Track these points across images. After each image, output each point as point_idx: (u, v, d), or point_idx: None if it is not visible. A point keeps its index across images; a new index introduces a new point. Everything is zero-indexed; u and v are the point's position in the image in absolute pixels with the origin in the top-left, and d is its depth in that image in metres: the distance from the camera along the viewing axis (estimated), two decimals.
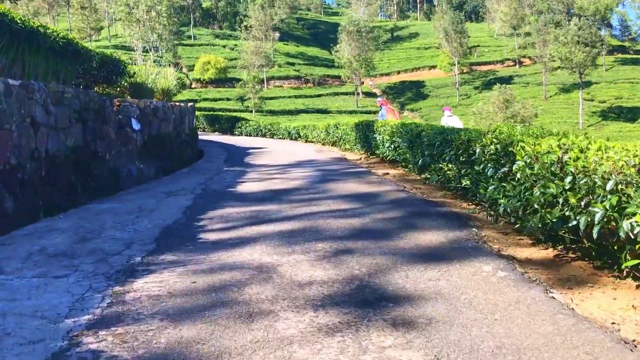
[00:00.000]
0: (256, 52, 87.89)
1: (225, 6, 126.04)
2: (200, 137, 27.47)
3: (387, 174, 11.30)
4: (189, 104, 18.09)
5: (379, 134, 12.00)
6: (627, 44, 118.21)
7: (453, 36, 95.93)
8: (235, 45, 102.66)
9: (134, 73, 13.41)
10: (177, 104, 15.67)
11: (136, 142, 11.93)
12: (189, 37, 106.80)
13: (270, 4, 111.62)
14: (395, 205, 7.46)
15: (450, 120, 15.06)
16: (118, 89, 14.03)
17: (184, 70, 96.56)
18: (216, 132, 36.31)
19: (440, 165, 7.68)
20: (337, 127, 18.38)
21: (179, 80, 17.18)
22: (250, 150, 19.23)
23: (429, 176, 8.77)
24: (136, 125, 12.00)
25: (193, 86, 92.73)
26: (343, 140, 17.96)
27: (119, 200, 8.61)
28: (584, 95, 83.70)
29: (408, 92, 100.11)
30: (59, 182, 8.36)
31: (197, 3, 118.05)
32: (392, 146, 11.00)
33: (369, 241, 5.52)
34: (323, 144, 21.94)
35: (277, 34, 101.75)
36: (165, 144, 13.55)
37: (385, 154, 11.92)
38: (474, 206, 7.21)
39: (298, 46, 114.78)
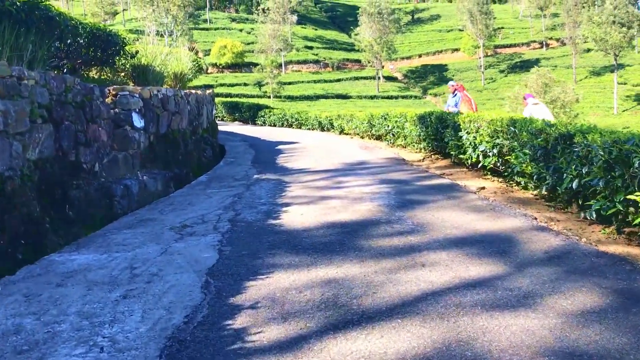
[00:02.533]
0: (274, 35, 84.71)
1: None
2: (220, 127, 24.48)
3: (483, 188, 8.14)
4: (208, 92, 15.02)
5: (467, 132, 8.79)
6: None
7: (478, 17, 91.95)
8: (252, 29, 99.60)
9: (137, 52, 10.32)
10: (193, 91, 12.61)
11: (139, 144, 8.90)
12: (205, 20, 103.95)
13: None
14: (567, 270, 4.31)
15: (536, 110, 11.86)
16: (122, 74, 11.00)
17: (200, 54, 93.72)
18: (236, 122, 33.06)
19: (631, 196, 4.50)
20: (385, 119, 15.14)
21: (194, 63, 14.10)
22: (281, 147, 16.09)
23: (581, 203, 5.60)
24: (138, 122, 8.97)
25: (209, 71, 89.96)
26: (393, 135, 14.75)
27: (104, 246, 5.54)
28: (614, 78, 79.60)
29: (430, 76, 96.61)
30: (9, 220, 5.33)
31: None
32: (495, 151, 7.80)
33: None
34: (362, 137, 18.75)
35: (294, 17, 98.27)
36: (178, 145, 10.50)
37: (474, 160, 8.72)
38: None
39: (316, 29, 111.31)
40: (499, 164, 8.01)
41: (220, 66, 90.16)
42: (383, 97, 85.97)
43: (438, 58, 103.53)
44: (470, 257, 4.73)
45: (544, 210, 6.63)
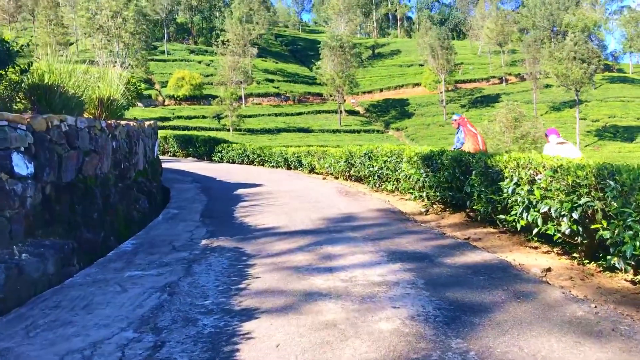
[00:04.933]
0: (234, 67, 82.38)
1: (200, 21, 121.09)
2: (169, 164, 21.32)
3: (549, 270, 5.34)
4: (148, 123, 11.97)
5: (515, 184, 6.00)
6: (610, 62, 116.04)
7: (439, 52, 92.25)
8: (212, 60, 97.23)
9: (30, 64, 7.22)
10: (123, 122, 9.55)
11: (23, 201, 5.80)
12: (163, 52, 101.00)
13: (248, 19, 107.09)
14: None
15: (561, 150, 9.34)
16: (21, 98, 7.89)
17: (157, 86, 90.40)
18: (190, 157, 29.69)
19: None
20: (370, 158, 12.34)
21: (130, 87, 11.09)
22: (241, 191, 13.02)
23: None
24: (23, 167, 5.90)
25: (166, 103, 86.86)
26: (379, 178, 11.95)
27: None
28: (575, 114, 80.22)
29: (392, 111, 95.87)
30: None
31: (171, 17, 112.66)
32: (575, 215, 5.00)
33: None
34: (336, 178, 15.90)
35: (255, 50, 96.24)
36: (93, 197, 7.38)
37: (524, 223, 5.92)
38: None
39: (277, 62, 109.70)
40: (576, 235, 5.21)
41: (178, 98, 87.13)
42: (345, 131, 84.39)
43: (399, 92, 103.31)
44: None
45: None
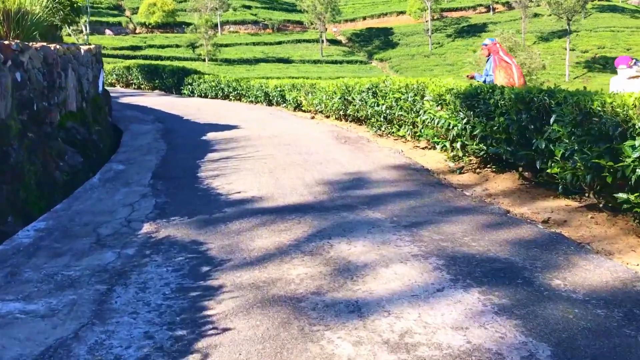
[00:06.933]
0: None
1: None
2: (131, 99, 18.46)
3: None
4: (85, 48, 9.13)
5: None
6: None
7: None
8: None
9: None
10: (41, 45, 6.73)
11: None
12: None
13: None
14: None
15: (637, 86, 6.93)
16: None
17: (127, 13, 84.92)
18: (157, 91, 26.33)
19: None
20: (375, 94, 9.68)
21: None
22: (212, 136, 10.31)
23: None
24: None
25: (137, 31, 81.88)
26: (386, 120, 9.39)
27: None
28: (564, 44, 77.46)
29: (376, 40, 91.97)
30: None
31: None
32: None
33: None
34: (327, 117, 13.27)
35: None
36: None
37: None
38: None
39: None
40: None
41: (150, 26, 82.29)
42: (327, 62, 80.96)
43: (383, 21, 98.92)
44: None
45: None
